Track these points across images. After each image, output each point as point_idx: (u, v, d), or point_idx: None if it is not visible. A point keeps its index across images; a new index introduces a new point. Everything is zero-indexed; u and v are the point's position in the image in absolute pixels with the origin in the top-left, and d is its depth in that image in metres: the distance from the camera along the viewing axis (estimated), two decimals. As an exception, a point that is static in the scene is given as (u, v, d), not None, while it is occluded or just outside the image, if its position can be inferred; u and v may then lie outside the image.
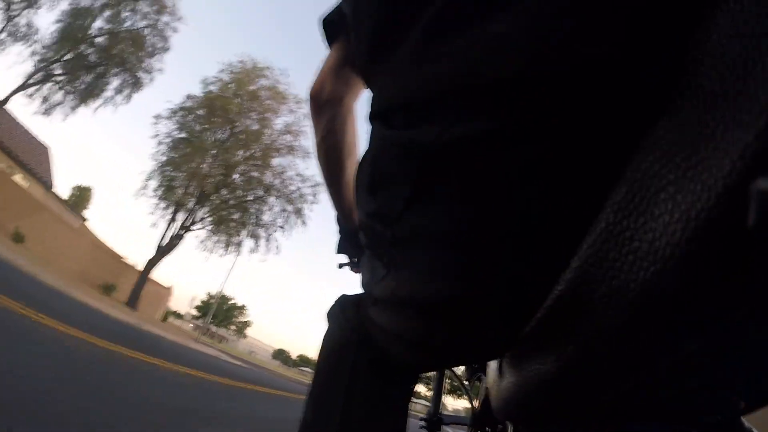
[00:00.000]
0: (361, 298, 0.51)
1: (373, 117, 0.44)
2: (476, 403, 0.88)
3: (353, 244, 0.76)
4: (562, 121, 0.29)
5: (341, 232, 0.76)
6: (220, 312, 58.74)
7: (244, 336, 68.31)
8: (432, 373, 1.06)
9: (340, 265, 0.84)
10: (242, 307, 64.13)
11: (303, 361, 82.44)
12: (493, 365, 0.54)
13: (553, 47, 0.28)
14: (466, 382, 0.96)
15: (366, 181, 0.42)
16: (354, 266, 0.82)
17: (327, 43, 0.62)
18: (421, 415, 1.04)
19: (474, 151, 0.31)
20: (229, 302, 61.34)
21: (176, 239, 17.42)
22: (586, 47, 0.27)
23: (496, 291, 0.33)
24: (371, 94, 0.46)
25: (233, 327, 64.89)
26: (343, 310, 0.52)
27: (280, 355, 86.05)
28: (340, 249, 0.79)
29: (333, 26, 0.60)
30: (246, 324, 65.97)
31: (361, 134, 0.66)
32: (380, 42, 0.44)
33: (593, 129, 0.28)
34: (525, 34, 0.30)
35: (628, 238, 0.22)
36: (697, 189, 0.18)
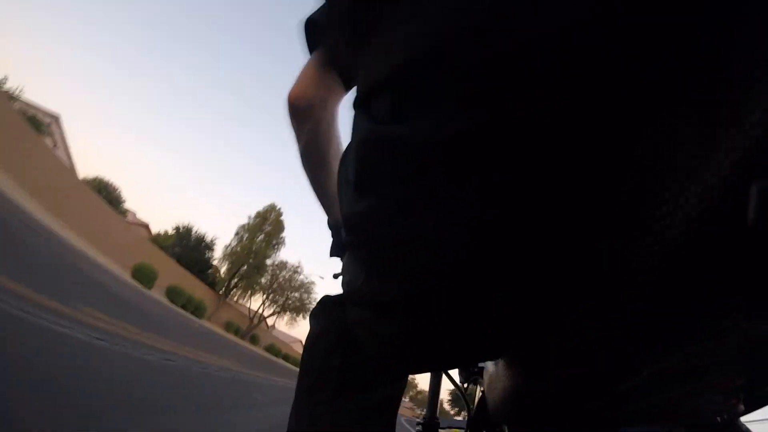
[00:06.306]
0: (344, 299, 0.50)
1: (359, 104, 0.42)
2: (473, 407, 0.87)
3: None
4: (561, 119, 0.28)
5: (334, 236, 0.75)
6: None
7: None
8: (427, 376, 1.05)
9: (336, 276, 0.83)
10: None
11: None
12: (489, 368, 0.54)
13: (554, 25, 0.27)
14: (462, 386, 0.95)
15: (353, 178, 0.40)
16: None
17: (308, 50, 0.60)
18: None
19: (468, 152, 0.30)
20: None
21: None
22: (590, 39, 0.26)
23: (481, 298, 0.33)
24: (357, 85, 0.44)
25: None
26: (327, 312, 0.51)
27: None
28: (334, 253, 0.78)
29: (313, 34, 0.59)
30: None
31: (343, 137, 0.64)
32: (360, 23, 0.42)
33: (594, 128, 0.27)
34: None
35: (633, 238, 0.21)
36: (698, 189, 0.18)
